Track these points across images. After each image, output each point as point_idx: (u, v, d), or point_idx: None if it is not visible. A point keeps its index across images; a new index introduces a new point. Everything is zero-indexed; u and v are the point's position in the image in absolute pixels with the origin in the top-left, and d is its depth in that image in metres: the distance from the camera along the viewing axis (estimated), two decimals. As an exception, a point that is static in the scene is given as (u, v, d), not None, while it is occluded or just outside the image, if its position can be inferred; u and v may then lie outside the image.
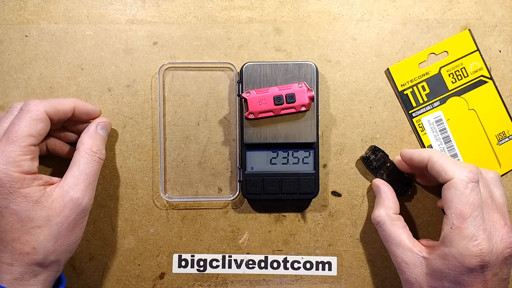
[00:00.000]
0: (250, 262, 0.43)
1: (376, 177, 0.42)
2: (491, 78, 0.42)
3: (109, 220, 0.43)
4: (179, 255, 0.43)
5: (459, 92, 0.42)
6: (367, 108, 0.43)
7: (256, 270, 0.43)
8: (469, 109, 0.43)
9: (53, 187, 0.35)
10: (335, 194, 0.43)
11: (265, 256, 0.43)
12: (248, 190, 0.41)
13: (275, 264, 0.43)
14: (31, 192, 0.33)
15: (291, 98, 0.39)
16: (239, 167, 0.41)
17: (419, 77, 0.42)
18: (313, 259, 0.43)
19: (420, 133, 0.43)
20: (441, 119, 0.43)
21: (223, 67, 0.42)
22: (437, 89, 0.42)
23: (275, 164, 0.41)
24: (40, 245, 0.33)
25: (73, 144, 0.40)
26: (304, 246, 0.43)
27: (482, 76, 0.42)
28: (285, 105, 0.39)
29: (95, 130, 0.38)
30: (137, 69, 0.42)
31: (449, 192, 0.35)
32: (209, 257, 0.43)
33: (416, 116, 0.43)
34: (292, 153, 0.41)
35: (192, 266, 0.43)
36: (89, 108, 0.39)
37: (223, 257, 0.43)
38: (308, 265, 0.43)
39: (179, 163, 0.42)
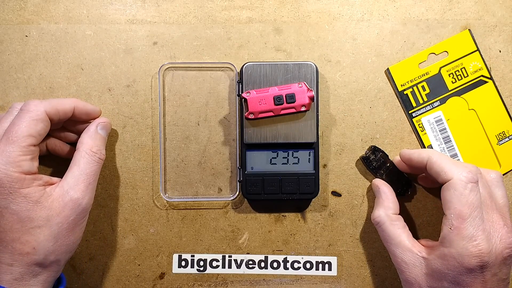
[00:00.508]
0: (250, 262, 0.43)
1: (376, 177, 0.42)
2: (491, 78, 0.42)
3: (109, 220, 0.43)
4: (179, 255, 0.43)
5: (459, 92, 0.42)
6: (367, 108, 0.43)
7: (256, 270, 0.43)
8: (469, 109, 0.43)
9: (53, 187, 0.35)
10: (335, 194, 0.43)
11: (265, 256, 0.43)
12: (248, 190, 0.41)
13: (275, 264, 0.43)
14: (31, 192, 0.33)
15: (291, 98, 0.39)
16: (239, 167, 0.41)
17: (419, 77, 0.42)
18: (313, 259, 0.43)
19: (420, 133, 0.43)
20: (441, 119, 0.43)
21: (223, 67, 0.42)
22: (437, 89, 0.42)
23: (275, 164, 0.41)
24: (40, 245, 0.33)
25: (73, 144, 0.40)
26: (304, 246, 0.43)
27: (482, 76, 0.42)
28: (285, 105, 0.39)
29: (95, 130, 0.38)
30: (137, 69, 0.42)
31: (448, 192, 0.35)
32: (209, 257, 0.43)
33: (416, 116, 0.43)
34: (292, 153, 0.41)
35: (192, 266, 0.43)
36: (89, 108, 0.39)
37: (223, 257, 0.43)
38: (308, 265, 0.43)
39: (179, 163, 0.42)
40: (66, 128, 0.40)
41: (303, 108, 0.39)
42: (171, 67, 0.42)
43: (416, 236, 0.42)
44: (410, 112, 0.43)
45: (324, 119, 0.42)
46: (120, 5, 0.42)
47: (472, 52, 0.42)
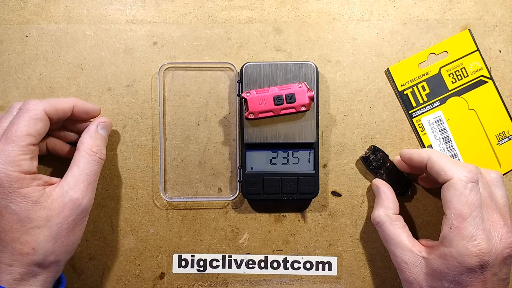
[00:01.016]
0: (250, 262, 0.43)
1: (376, 177, 0.42)
2: (491, 78, 0.42)
3: (109, 220, 0.43)
4: (179, 255, 0.43)
5: (459, 92, 0.42)
6: (367, 108, 0.43)
7: (256, 270, 0.43)
8: (469, 109, 0.43)
9: (53, 187, 0.35)
10: (335, 194, 0.43)
11: (265, 256, 0.43)
12: (248, 190, 0.41)
13: (275, 264, 0.43)
14: (30, 192, 0.33)
15: (291, 98, 0.39)
16: (239, 167, 0.41)
17: (419, 77, 0.42)
18: (313, 259, 0.43)
19: (420, 133, 0.43)
20: (441, 119, 0.43)
21: (223, 67, 0.42)
22: (437, 89, 0.42)
23: (275, 164, 0.41)
24: (39, 246, 0.33)
25: (73, 144, 0.40)
26: (304, 246, 0.43)
27: (482, 76, 0.42)
28: (285, 105, 0.39)
29: (95, 130, 0.38)
30: (137, 69, 0.42)
31: (448, 192, 0.35)
32: (209, 257, 0.43)
33: (416, 116, 0.43)
34: (292, 153, 0.41)
35: (192, 266, 0.43)
36: (88, 107, 0.39)
37: (223, 257, 0.43)
38: (308, 265, 0.43)
39: (179, 163, 0.42)
40: (66, 128, 0.40)
41: (303, 108, 0.39)
42: (171, 67, 0.42)
43: (416, 236, 0.42)
44: (410, 112, 0.43)
45: (324, 119, 0.42)
46: (120, 5, 0.42)
47: (472, 52, 0.42)
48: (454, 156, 0.43)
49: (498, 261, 0.34)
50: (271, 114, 0.39)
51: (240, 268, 0.43)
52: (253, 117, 0.39)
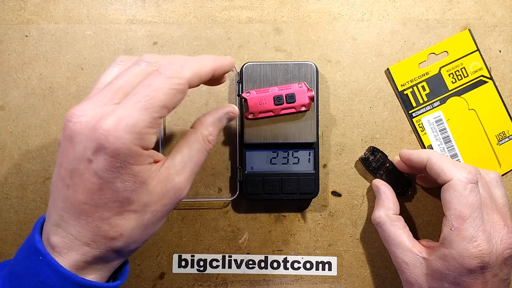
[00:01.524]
0: (250, 262, 0.43)
1: (375, 178, 0.42)
2: (491, 78, 0.42)
3: (109, 220, 0.42)
4: (179, 255, 0.43)
5: (459, 92, 0.42)
6: (367, 108, 0.43)
7: (256, 270, 0.43)
8: (469, 109, 0.43)
9: (158, 165, 0.29)
10: (335, 194, 0.43)
11: (265, 256, 0.43)
12: (248, 190, 0.41)
13: (275, 264, 0.43)
14: (141, 172, 0.27)
15: (291, 98, 0.39)
16: (239, 167, 0.41)
17: (419, 77, 0.42)
18: (313, 259, 0.43)
19: (420, 133, 0.43)
20: (441, 119, 0.43)
21: (223, 67, 0.42)
22: (437, 89, 0.42)
23: (275, 164, 0.41)
24: (127, 232, 0.28)
25: None
26: (304, 246, 0.43)
27: (482, 76, 0.42)
28: (285, 105, 0.39)
29: (220, 119, 0.32)
30: (137, 69, 0.42)
31: (448, 193, 0.35)
32: (209, 257, 0.43)
33: (416, 116, 0.43)
34: (292, 153, 0.41)
35: (192, 266, 0.43)
36: (226, 67, 0.32)
37: (223, 257, 0.43)
38: (308, 265, 0.43)
39: (179, 163, 0.42)
40: None
41: (303, 108, 0.39)
42: (171, 67, 0.42)
43: (416, 236, 0.42)
44: (410, 112, 0.43)
45: (324, 119, 0.42)
46: (120, 5, 0.42)
47: (472, 52, 0.42)
48: (454, 156, 0.43)
49: (498, 262, 0.34)
50: (271, 114, 0.39)
51: (240, 268, 0.43)
52: (253, 117, 0.39)
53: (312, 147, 0.41)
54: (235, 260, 0.43)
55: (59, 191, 0.28)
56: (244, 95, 0.39)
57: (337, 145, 0.43)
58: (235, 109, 0.33)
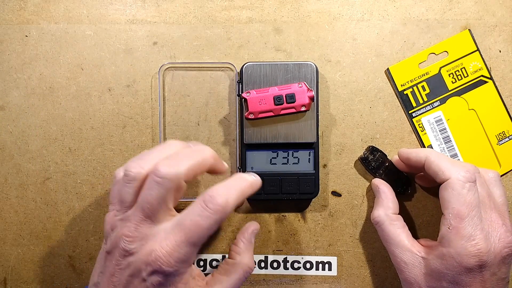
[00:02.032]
0: (250, 262, 0.43)
1: (375, 177, 0.42)
2: (491, 78, 0.42)
3: (109, 220, 0.43)
4: (179, 255, 0.43)
5: (459, 92, 0.42)
6: (367, 108, 0.43)
7: (256, 270, 0.43)
8: (469, 109, 0.43)
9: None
10: (335, 194, 0.43)
11: (265, 256, 0.43)
12: (248, 190, 0.41)
13: (275, 264, 0.43)
14: (182, 281, 0.31)
15: (291, 98, 0.39)
16: (239, 167, 0.41)
17: (419, 77, 0.42)
18: (313, 259, 0.43)
19: (420, 133, 0.43)
20: (441, 119, 0.43)
21: (223, 67, 0.42)
22: (437, 89, 0.42)
23: (275, 164, 0.41)
24: None
25: None
26: (304, 246, 0.43)
27: (482, 76, 0.42)
28: (285, 105, 0.39)
29: (252, 242, 0.38)
30: (137, 69, 0.42)
31: (446, 192, 0.35)
32: (209, 257, 0.43)
33: (416, 116, 0.43)
34: (292, 153, 0.41)
35: (192, 266, 0.43)
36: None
37: (223, 257, 0.43)
38: (308, 265, 0.43)
39: (179, 163, 0.42)
40: None
41: (303, 108, 0.39)
42: (171, 67, 0.42)
43: (416, 236, 0.42)
44: (410, 112, 0.43)
45: (324, 119, 0.42)
46: (120, 5, 0.42)
47: (472, 52, 0.42)
48: (454, 156, 0.43)
49: (497, 261, 0.34)
50: (271, 114, 0.39)
51: (240, 268, 0.43)
52: (253, 117, 0.39)
53: (312, 147, 0.41)
54: (235, 260, 0.43)
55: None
56: (244, 95, 0.39)
57: (337, 145, 0.43)
58: (257, 225, 0.39)
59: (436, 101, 0.42)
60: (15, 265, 0.43)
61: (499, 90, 0.42)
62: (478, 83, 0.42)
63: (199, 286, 0.33)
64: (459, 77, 0.42)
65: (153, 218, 0.31)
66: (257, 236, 0.43)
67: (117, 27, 0.42)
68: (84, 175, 0.42)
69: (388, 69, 0.42)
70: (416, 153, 0.38)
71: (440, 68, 0.42)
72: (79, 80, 0.42)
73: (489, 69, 0.42)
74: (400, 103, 0.43)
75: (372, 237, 0.43)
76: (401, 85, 0.42)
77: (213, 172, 0.35)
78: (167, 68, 0.42)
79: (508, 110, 0.43)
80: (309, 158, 0.41)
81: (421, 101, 0.42)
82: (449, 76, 0.42)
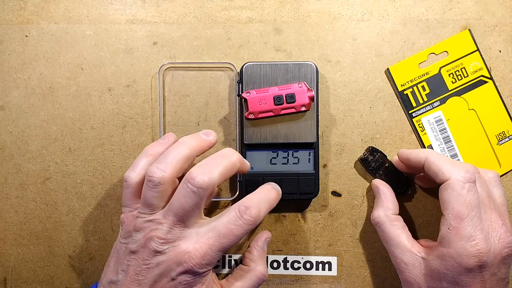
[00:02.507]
0: (250, 262, 0.43)
1: (375, 178, 0.42)
2: (491, 78, 0.42)
3: (109, 220, 0.43)
4: (179, 255, 0.43)
5: (459, 92, 0.42)
6: (367, 108, 0.43)
7: (256, 270, 0.43)
8: (469, 109, 0.43)
9: None
10: (335, 194, 0.43)
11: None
12: (248, 190, 0.41)
13: (275, 264, 0.43)
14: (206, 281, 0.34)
15: (291, 98, 0.39)
16: (239, 167, 0.41)
17: (419, 77, 0.42)
18: (313, 259, 0.43)
19: (420, 133, 0.43)
20: (441, 119, 0.43)
21: (223, 67, 0.42)
22: (437, 89, 0.42)
23: (275, 164, 0.41)
24: None
25: None
26: (304, 246, 0.43)
27: (482, 76, 0.42)
28: (285, 105, 0.39)
29: (264, 249, 0.40)
30: (137, 69, 0.42)
31: (446, 192, 0.35)
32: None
33: (416, 116, 0.43)
34: (292, 153, 0.41)
35: (192, 266, 0.43)
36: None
37: (223, 257, 0.43)
38: (308, 265, 0.43)
39: (179, 163, 0.42)
40: None
41: (303, 108, 0.39)
42: (171, 67, 0.42)
43: (416, 236, 0.42)
44: (410, 112, 0.43)
45: (324, 119, 0.42)
46: (120, 5, 0.42)
47: (472, 52, 0.42)
48: (454, 156, 0.43)
49: (496, 261, 0.34)
50: (271, 114, 0.39)
51: (240, 268, 0.43)
52: (253, 117, 0.39)
53: (312, 147, 0.41)
54: (235, 260, 0.43)
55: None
56: (244, 95, 0.39)
57: (337, 145, 0.43)
58: (269, 233, 0.41)
59: (436, 101, 0.42)
60: (15, 265, 0.43)
61: (499, 90, 0.42)
62: (478, 83, 0.42)
63: None
64: (459, 77, 0.42)
65: (186, 222, 0.33)
66: (257, 236, 0.43)
67: (117, 27, 0.42)
68: (84, 175, 0.42)
69: (388, 69, 0.42)
70: (416, 154, 0.38)
71: (440, 68, 0.42)
72: (79, 80, 0.42)
73: (489, 69, 0.42)
74: (400, 103, 0.43)
75: (372, 237, 0.43)
76: (401, 85, 0.42)
77: (238, 172, 0.37)
78: (167, 68, 0.42)
79: (508, 110, 0.43)
80: (309, 158, 0.41)
81: (421, 101, 0.42)
82: (449, 76, 0.42)
